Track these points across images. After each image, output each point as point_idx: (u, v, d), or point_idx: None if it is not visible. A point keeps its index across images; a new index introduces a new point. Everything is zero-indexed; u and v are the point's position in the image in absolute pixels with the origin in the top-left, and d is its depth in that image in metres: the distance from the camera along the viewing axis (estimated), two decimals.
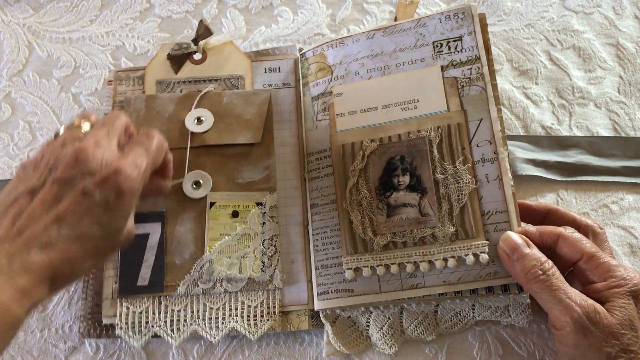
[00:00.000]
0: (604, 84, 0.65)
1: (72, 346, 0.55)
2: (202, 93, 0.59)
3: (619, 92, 0.64)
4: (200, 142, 0.57)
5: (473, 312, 0.53)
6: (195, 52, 0.62)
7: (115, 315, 0.53)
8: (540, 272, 0.46)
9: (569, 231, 0.49)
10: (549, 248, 0.49)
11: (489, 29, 0.66)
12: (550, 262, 0.47)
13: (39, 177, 0.40)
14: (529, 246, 0.48)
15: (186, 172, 0.56)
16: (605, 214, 0.59)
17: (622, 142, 0.62)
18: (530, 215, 0.53)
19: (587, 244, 0.48)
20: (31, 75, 0.67)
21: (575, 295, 0.45)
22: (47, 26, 0.69)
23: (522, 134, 0.62)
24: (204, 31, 0.61)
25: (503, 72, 0.66)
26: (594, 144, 0.62)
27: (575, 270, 0.48)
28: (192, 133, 0.58)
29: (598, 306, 0.44)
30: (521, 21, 0.68)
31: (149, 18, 0.70)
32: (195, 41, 0.62)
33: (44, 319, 0.55)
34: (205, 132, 0.58)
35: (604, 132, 0.62)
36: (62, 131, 0.45)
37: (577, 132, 0.62)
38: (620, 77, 0.65)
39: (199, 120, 0.58)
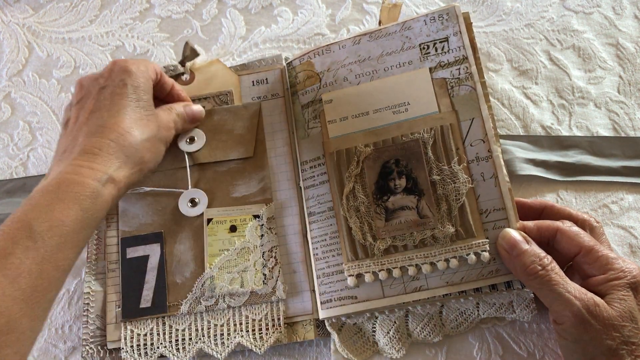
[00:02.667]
0: (604, 84, 0.68)
1: (72, 346, 0.59)
2: None
3: (618, 92, 0.68)
4: (193, 160, 0.61)
5: (478, 311, 0.56)
6: (183, 73, 0.66)
7: (119, 340, 0.57)
8: (540, 267, 0.49)
9: (566, 225, 0.51)
10: (547, 243, 0.52)
11: (489, 29, 0.70)
12: (550, 257, 0.50)
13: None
14: (527, 242, 0.51)
15: (189, 187, 0.60)
16: (605, 214, 0.62)
17: (622, 142, 0.65)
18: (526, 212, 0.56)
19: (585, 237, 0.51)
20: (31, 75, 0.72)
21: (574, 289, 0.48)
22: (47, 26, 0.74)
23: (522, 134, 0.66)
24: (190, 53, 0.66)
25: (503, 72, 0.69)
26: (594, 144, 0.65)
27: (574, 264, 0.51)
28: (185, 152, 0.62)
29: (597, 299, 0.47)
30: (521, 21, 0.72)
31: (149, 18, 0.75)
32: (182, 63, 0.66)
33: None
34: (198, 150, 0.62)
35: (604, 132, 0.66)
36: None
37: (577, 132, 0.66)
38: (620, 77, 0.69)
39: (191, 139, 0.62)
